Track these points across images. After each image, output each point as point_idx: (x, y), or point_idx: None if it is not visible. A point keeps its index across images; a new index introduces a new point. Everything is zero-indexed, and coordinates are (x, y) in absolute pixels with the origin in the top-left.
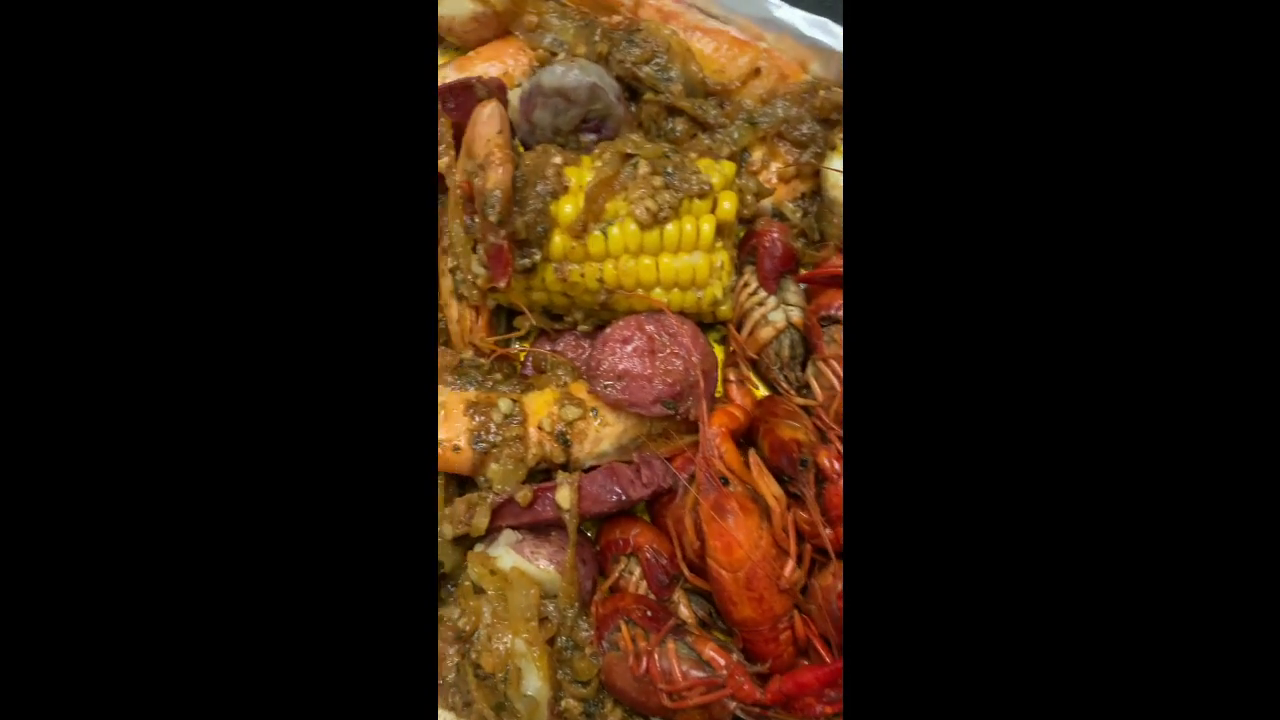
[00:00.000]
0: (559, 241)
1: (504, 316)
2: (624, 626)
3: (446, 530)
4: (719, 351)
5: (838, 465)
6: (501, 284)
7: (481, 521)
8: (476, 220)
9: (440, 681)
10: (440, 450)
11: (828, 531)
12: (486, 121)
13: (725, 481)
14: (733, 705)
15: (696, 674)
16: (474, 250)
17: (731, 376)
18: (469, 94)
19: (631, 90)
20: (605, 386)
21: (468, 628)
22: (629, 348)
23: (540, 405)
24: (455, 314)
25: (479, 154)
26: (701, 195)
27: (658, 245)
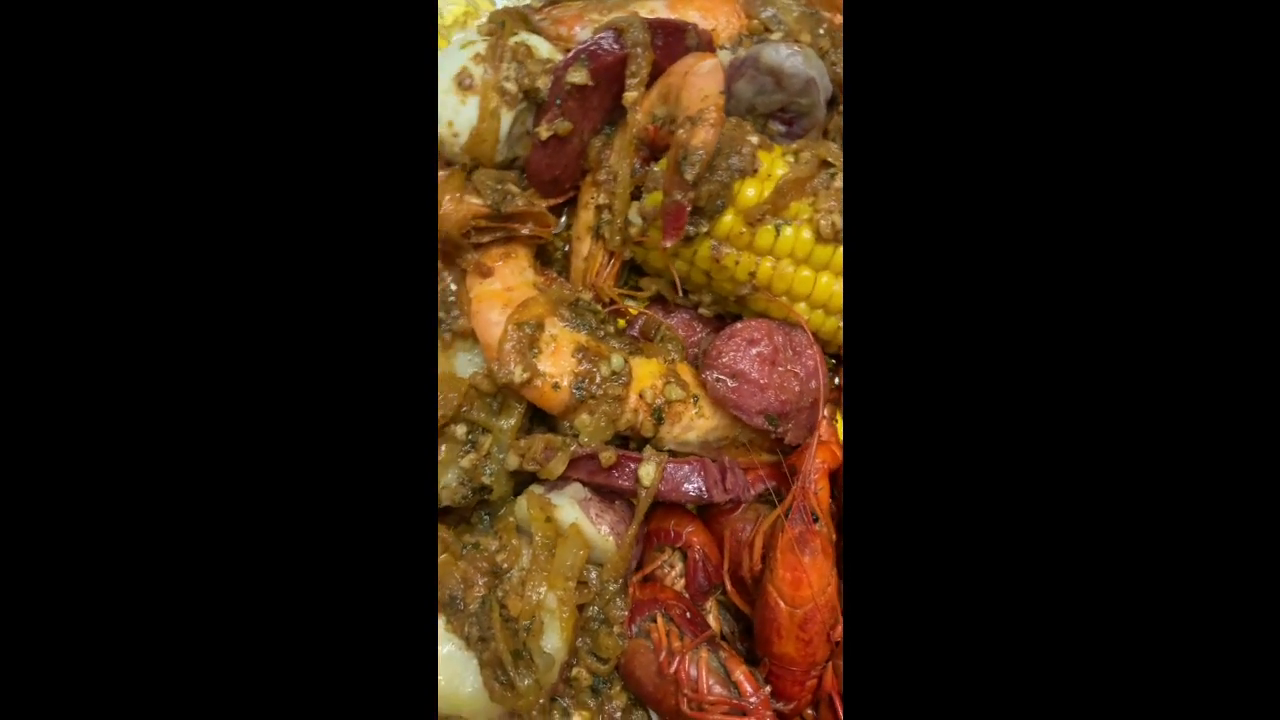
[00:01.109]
0: (729, 222)
1: (628, 270)
2: (660, 619)
3: (512, 460)
4: None
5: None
6: (668, 244)
7: (558, 467)
8: (648, 166)
9: (461, 608)
10: (540, 382)
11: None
12: (708, 76)
13: (816, 519)
14: None
15: (721, 691)
16: (635, 197)
17: (826, 412)
18: (679, 38)
19: (833, 99)
20: (716, 380)
21: (505, 564)
22: (754, 350)
23: (646, 374)
24: (585, 251)
25: (690, 106)
26: None
27: (825, 262)
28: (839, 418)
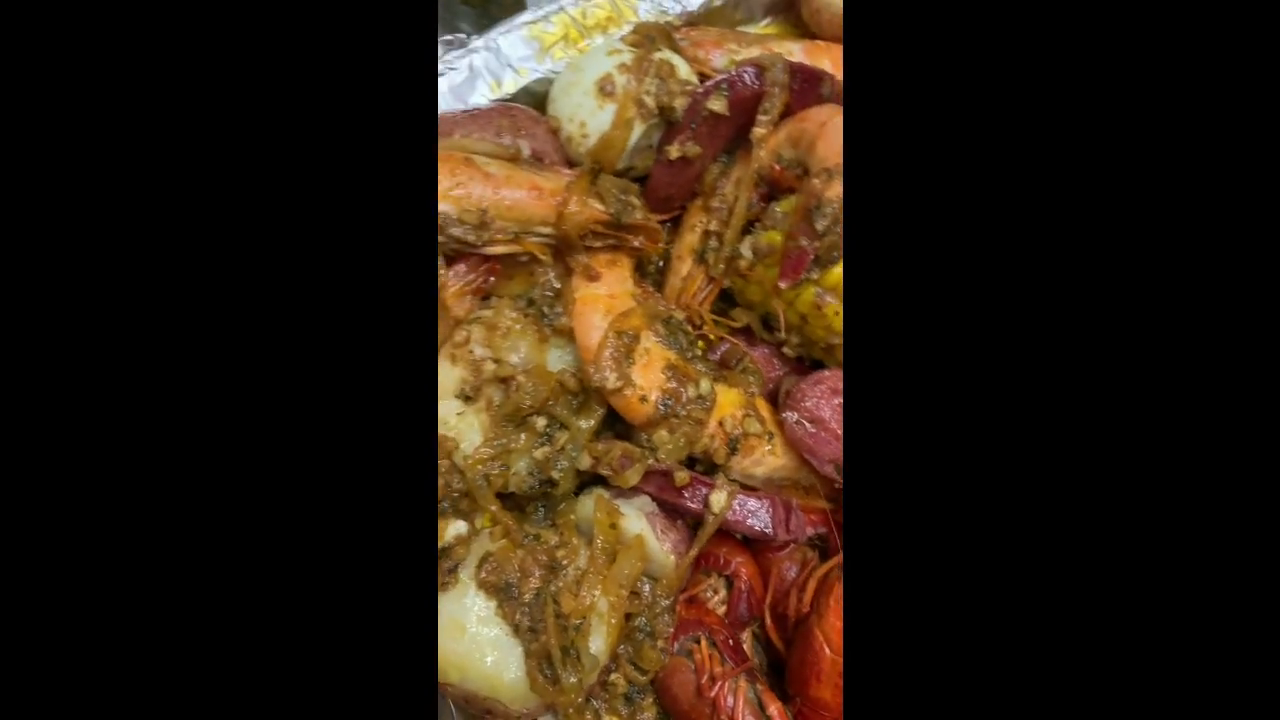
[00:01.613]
0: (838, 274)
1: (719, 297)
2: (704, 641)
3: (585, 460)
4: None
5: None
6: (784, 285)
7: (633, 478)
8: (765, 204)
9: (515, 595)
10: (626, 393)
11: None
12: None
13: None
14: None
15: None
16: (746, 230)
17: None
18: (814, 85)
19: None
20: (796, 422)
21: (564, 561)
22: (836, 400)
23: (728, 403)
24: (685, 271)
25: (827, 159)
26: None
27: None
28: None
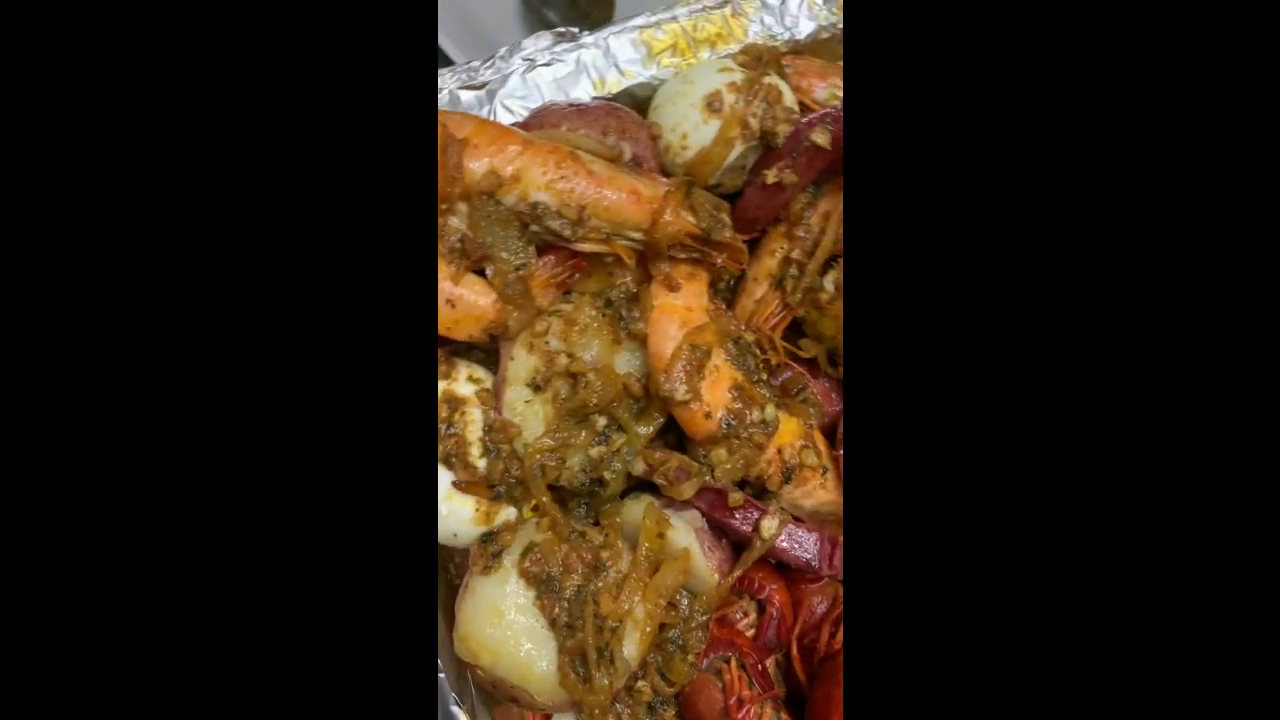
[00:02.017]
0: None
1: (791, 328)
2: (734, 663)
3: (639, 466)
4: None
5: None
6: None
7: (687, 491)
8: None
9: (555, 589)
10: (692, 407)
11: None
12: None
13: None
14: None
15: None
16: (829, 264)
17: None
18: None
19: None
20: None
21: (608, 562)
22: None
23: (788, 431)
24: (759, 295)
25: None
26: None
27: None
28: None
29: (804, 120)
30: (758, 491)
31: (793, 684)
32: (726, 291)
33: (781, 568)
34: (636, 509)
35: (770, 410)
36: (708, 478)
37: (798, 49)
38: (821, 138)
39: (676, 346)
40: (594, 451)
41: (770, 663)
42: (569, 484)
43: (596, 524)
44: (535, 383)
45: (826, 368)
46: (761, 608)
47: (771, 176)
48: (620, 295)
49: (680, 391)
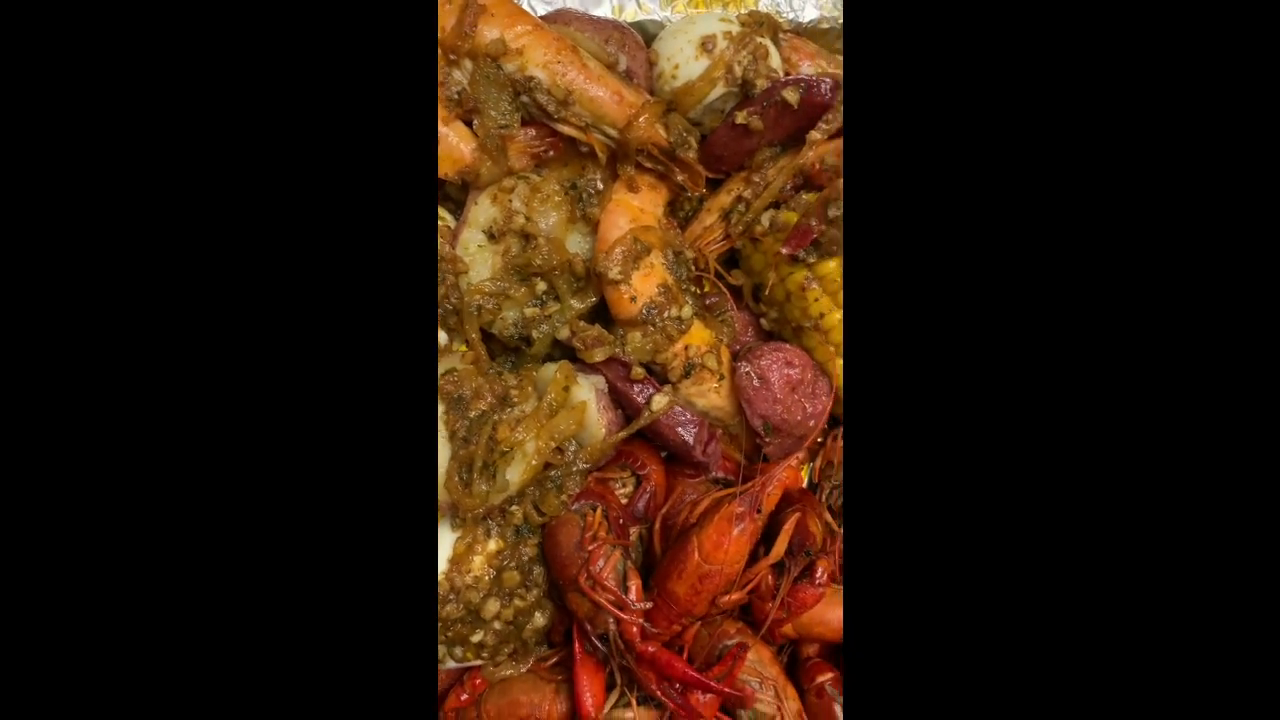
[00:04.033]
0: (832, 267)
1: (726, 258)
2: (599, 511)
3: (564, 331)
4: None
5: (826, 577)
6: (785, 251)
7: (598, 355)
8: (796, 192)
9: (463, 410)
10: (621, 288)
11: (772, 607)
12: None
13: (759, 510)
14: (612, 628)
15: (614, 585)
16: (774, 206)
17: (793, 461)
18: None
19: None
20: (746, 373)
21: (516, 400)
22: (787, 370)
23: (698, 335)
24: (708, 222)
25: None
26: None
27: None
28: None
29: (781, 80)
30: (661, 381)
31: (651, 561)
32: (685, 222)
33: (669, 459)
34: (552, 369)
35: (687, 310)
36: (618, 350)
37: (798, 30)
38: (791, 96)
39: (621, 234)
40: (528, 311)
41: (635, 534)
42: (500, 333)
43: (516, 374)
44: (492, 231)
45: (749, 300)
46: (639, 482)
47: (740, 118)
48: (587, 185)
49: (614, 271)
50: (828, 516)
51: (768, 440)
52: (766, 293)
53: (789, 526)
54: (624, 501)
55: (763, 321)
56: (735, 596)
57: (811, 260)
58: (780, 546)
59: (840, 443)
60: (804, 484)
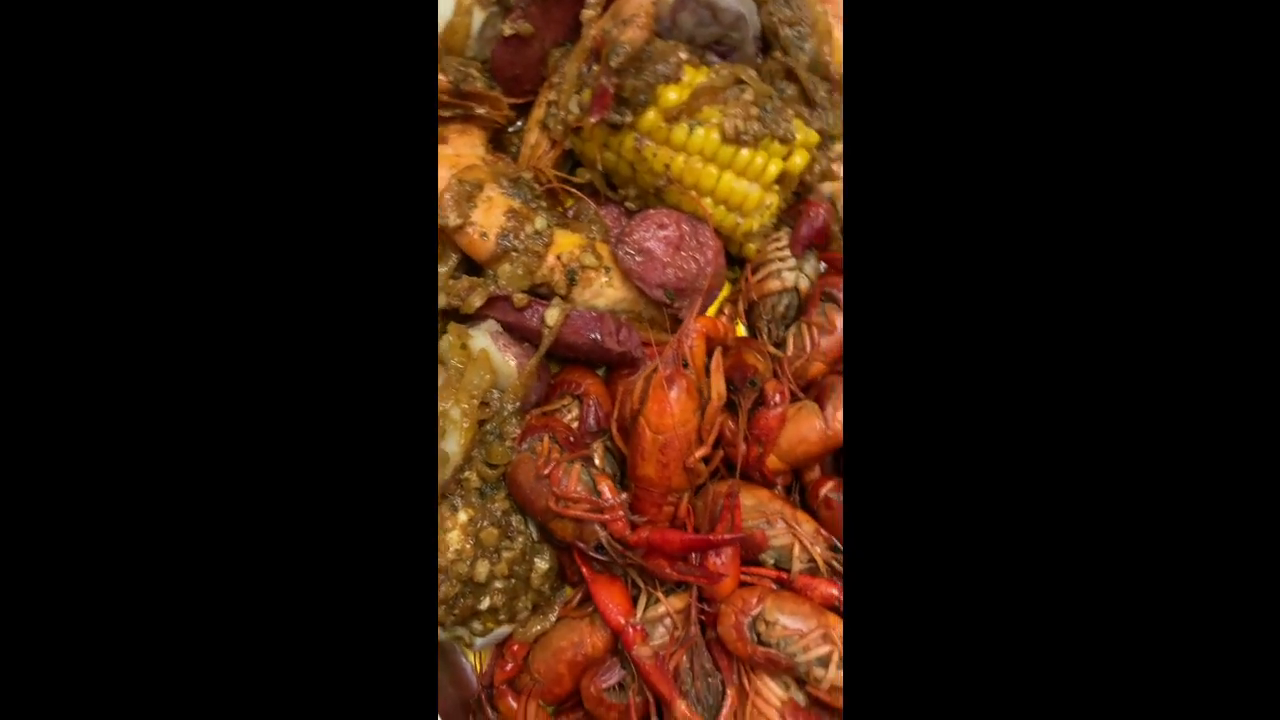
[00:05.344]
0: (651, 118)
1: (571, 166)
2: (546, 439)
3: (441, 299)
4: (726, 287)
5: (779, 397)
6: (593, 119)
7: (475, 302)
8: (594, 68)
9: None
10: (467, 230)
11: (742, 446)
12: None
13: (686, 365)
14: (602, 534)
15: (584, 494)
16: (578, 93)
17: (726, 310)
18: None
19: (765, 42)
20: (626, 253)
21: None
22: (662, 232)
23: (566, 241)
24: (533, 140)
25: (626, 13)
26: (783, 140)
27: (727, 161)
28: (727, 310)
29: None
30: (549, 297)
31: (621, 460)
32: (516, 154)
33: (608, 372)
34: (448, 339)
35: (541, 220)
36: (493, 288)
37: None
38: None
39: (445, 184)
40: None
41: (598, 446)
42: None
43: None
44: None
45: (605, 191)
46: (581, 401)
47: (507, 28)
48: None
49: (452, 218)
50: (769, 348)
51: (676, 305)
52: (613, 176)
53: (715, 364)
54: (576, 425)
55: (627, 204)
56: (702, 451)
57: (629, 119)
58: (716, 384)
59: (755, 277)
60: (732, 332)
